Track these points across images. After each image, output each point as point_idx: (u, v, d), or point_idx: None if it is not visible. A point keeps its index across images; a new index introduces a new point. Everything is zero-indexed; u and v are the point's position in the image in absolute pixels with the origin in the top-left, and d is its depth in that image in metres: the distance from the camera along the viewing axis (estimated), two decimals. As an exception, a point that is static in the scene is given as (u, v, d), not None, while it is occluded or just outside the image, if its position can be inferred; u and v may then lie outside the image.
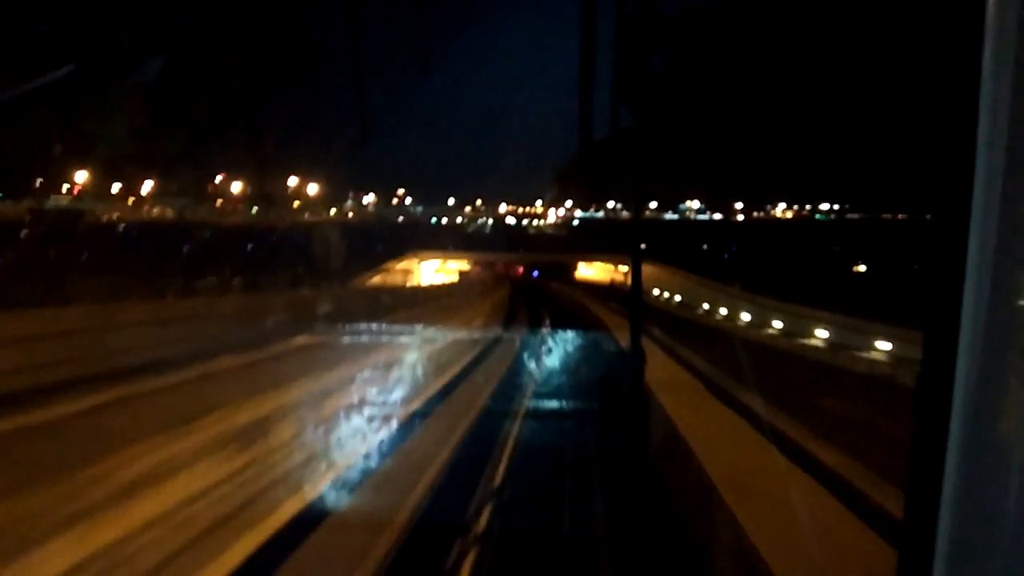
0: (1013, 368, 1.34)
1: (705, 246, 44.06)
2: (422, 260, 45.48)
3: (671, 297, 35.07)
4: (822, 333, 20.69)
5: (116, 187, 51.36)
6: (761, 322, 24.46)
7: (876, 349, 17.55)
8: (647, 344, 11.83)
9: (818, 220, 49.82)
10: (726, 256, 41.23)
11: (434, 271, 46.88)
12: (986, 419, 1.33)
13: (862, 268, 36.06)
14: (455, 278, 46.35)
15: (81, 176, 44.71)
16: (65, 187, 46.58)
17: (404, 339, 14.70)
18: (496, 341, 19.97)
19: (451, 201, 55.19)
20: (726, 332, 23.59)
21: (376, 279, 28.14)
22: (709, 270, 32.96)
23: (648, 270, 40.99)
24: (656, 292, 35.71)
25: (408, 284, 28.89)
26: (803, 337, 21.11)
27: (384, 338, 14.69)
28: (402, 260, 41.62)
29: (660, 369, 10.62)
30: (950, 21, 1.40)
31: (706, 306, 30.54)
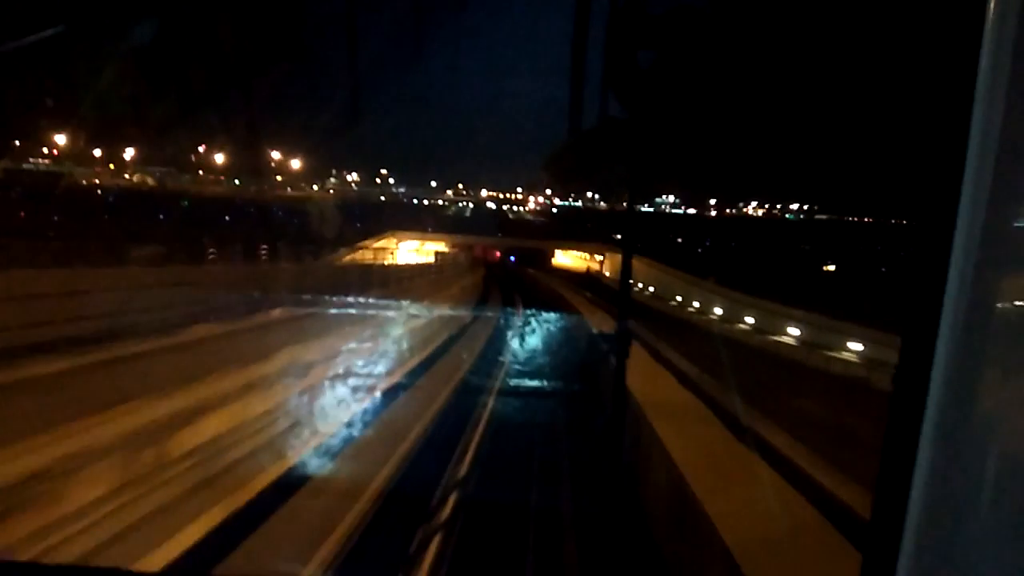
0: (988, 373, 1.32)
1: (679, 239, 44.81)
2: (400, 240, 45.64)
3: (645, 288, 34.88)
4: (794, 331, 21.05)
5: (98, 152, 50.72)
6: (734, 317, 24.64)
7: (848, 350, 17.94)
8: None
9: (788, 220, 51.02)
10: (700, 250, 41.90)
11: (411, 251, 47.09)
12: (959, 423, 1.31)
13: (831, 268, 37.03)
14: (431, 259, 46.52)
15: (61, 139, 44.06)
16: (44, 150, 45.91)
17: (366, 321, 13.90)
18: (467, 325, 19.93)
19: (433, 183, 55.54)
20: (699, 326, 23.76)
21: (351, 256, 28.14)
22: (684, 263, 33.29)
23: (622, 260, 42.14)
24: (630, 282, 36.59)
25: (384, 263, 28.86)
26: (775, 334, 21.41)
27: (345, 320, 13.52)
28: (380, 239, 41.46)
29: (650, 381, 9.00)
30: (942, 24, 1.37)
31: (679, 298, 30.61)
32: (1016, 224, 1.29)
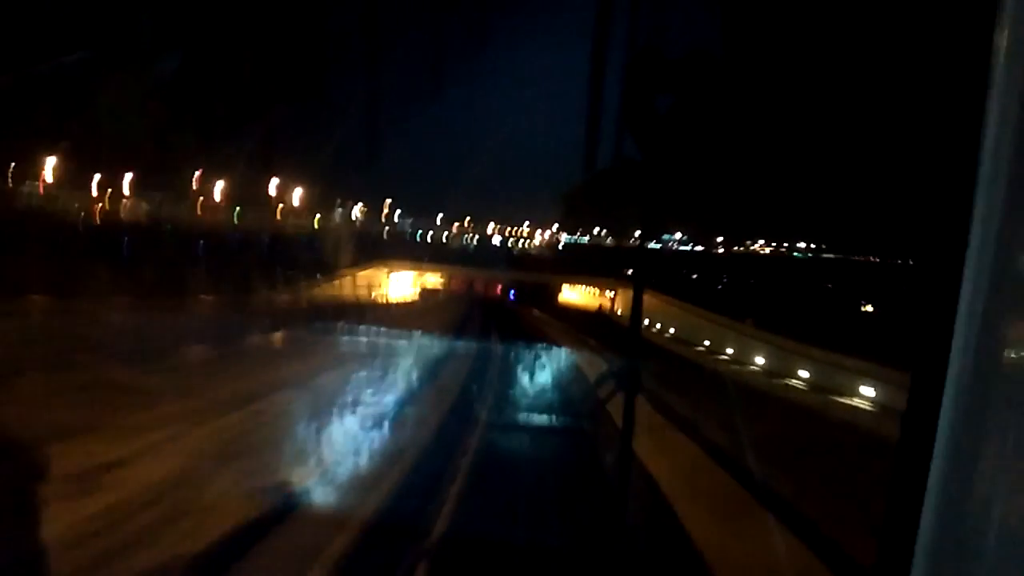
0: (996, 414, 1.27)
1: (694, 276, 41.70)
2: (392, 270, 42.38)
3: (664, 329, 30.72)
4: (868, 391, 16.42)
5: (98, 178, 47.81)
6: (783, 370, 19.88)
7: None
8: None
9: (796, 258, 48.67)
10: (719, 287, 38.55)
11: (406, 284, 43.86)
12: (968, 462, 1.27)
13: (869, 308, 33.93)
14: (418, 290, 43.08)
15: (56, 162, 41.36)
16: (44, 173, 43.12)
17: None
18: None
19: (440, 217, 52.77)
20: (747, 384, 18.71)
21: (325, 287, 24.58)
22: (704, 301, 29.49)
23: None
24: (646, 322, 33.07)
25: (358, 297, 25.12)
26: (845, 395, 16.88)
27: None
28: (367, 267, 37.59)
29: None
30: (948, 70, 1.34)
31: (707, 343, 26.13)
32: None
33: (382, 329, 19.24)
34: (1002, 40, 1.22)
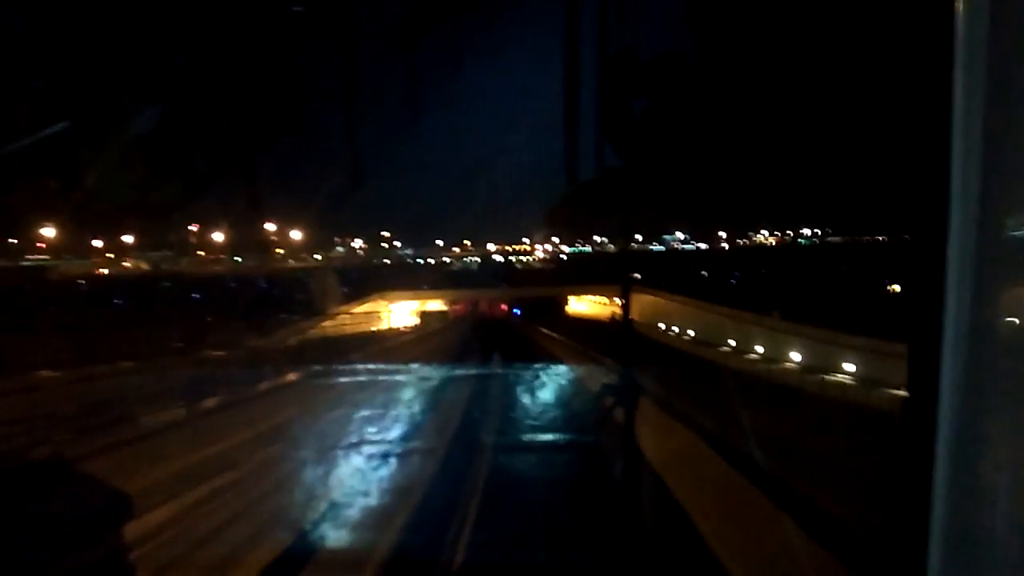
0: (998, 384, 1.29)
1: (704, 273, 40.26)
2: (391, 301, 41.13)
3: (681, 331, 28.10)
4: None
5: (98, 243, 47.18)
6: (828, 365, 17.32)
7: None
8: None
9: (801, 244, 47.48)
10: (733, 282, 36.90)
11: (407, 313, 42.57)
12: (970, 437, 1.29)
13: (897, 288, 31.89)
14: (417, 320, 41.53)
15: (47, 233, 40.81)
16: (41, 245, 42.50)
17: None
18: None
19: (439, 242, 51.87)
20: (790, 386, 16.67)
21: (321, 327, 23.06)
22: (720, 298, 26.92)
23: (650, 300, 36.92)
24: (662, 326, 31.54)
25: (350, 331, 23.51)
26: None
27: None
28: (365, 303, 35.52)
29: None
30: (921, 50, 1.40)
31: (732, 342, 23.32)
32: (1009, 233, 1.31)
33: (365, 370, 17.62)
34: (959, 25, 1.27)
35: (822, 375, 17.23)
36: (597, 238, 47.07)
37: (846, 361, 16.95)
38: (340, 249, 53.69)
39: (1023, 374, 1.26)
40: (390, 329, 31.68)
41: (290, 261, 47.23)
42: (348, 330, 21.70)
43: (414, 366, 18.48)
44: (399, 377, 16.02)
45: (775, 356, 20.36)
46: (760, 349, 21.61)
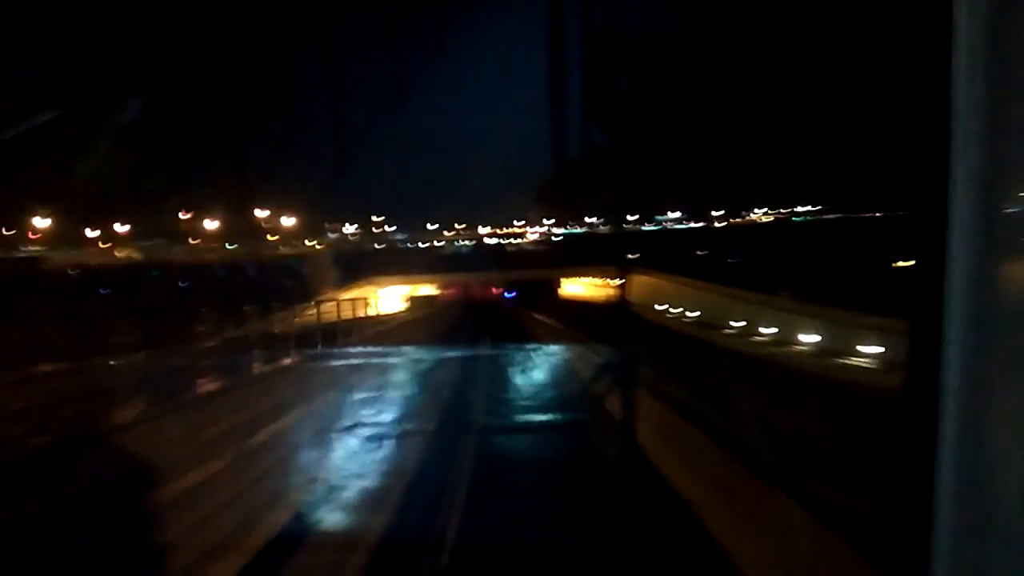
0: (999, 367, 1.25)
1: (700, 253, 39.24)
2: (381, 286, 40.25)
3: (682, 312, 26.92)
4: None
5: (92, 232, 46.36)
6: (846, 347, 15.93)
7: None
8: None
9: (796, 222, 46.55)
10: (731, 260, 35.83)
11: (397, 298, 41.70)
12: (970, 422, 1.25)
13: (903, 264, 30.76)
14: (407, 304, 40.70)
15: (41, 223, 40.14)
16: (31, 235, 41.74)
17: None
18: None
19: (430, 227, 50.94)
20: (808, 371, 15.08)
21: (303, 315, 22.34)
22: (721, 278, 26.50)
23: (647, 281, 35.98)
24: (660, 307, 30.67)
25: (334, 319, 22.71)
26: None
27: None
28: (352, 288, 35.17)
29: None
30: (919, 29, 1.36)
31: (740, 323, 21.88)
32: (1007, 209, 1.28)
33: (350, 357, 17.17)
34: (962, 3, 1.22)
35: (845, 358, 15.97)
36: (589, 219, 46.11)
37: (869, 343, 15.47)
38: (331, 235, 52.63)
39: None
40: (375, 316, 30.86)
41: (281, 248, 46.38)
42: (328, 318, 20.92)
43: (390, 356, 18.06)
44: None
45: (788, 338, 19.07)
46: (771, 330, 20.20)
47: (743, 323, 22.13)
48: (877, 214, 42.33)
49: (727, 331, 22.91)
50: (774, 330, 19.96)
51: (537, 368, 16.71)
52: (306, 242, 48.21)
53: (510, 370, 16.11)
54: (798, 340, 18.64)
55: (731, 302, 23.83)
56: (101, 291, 30.54)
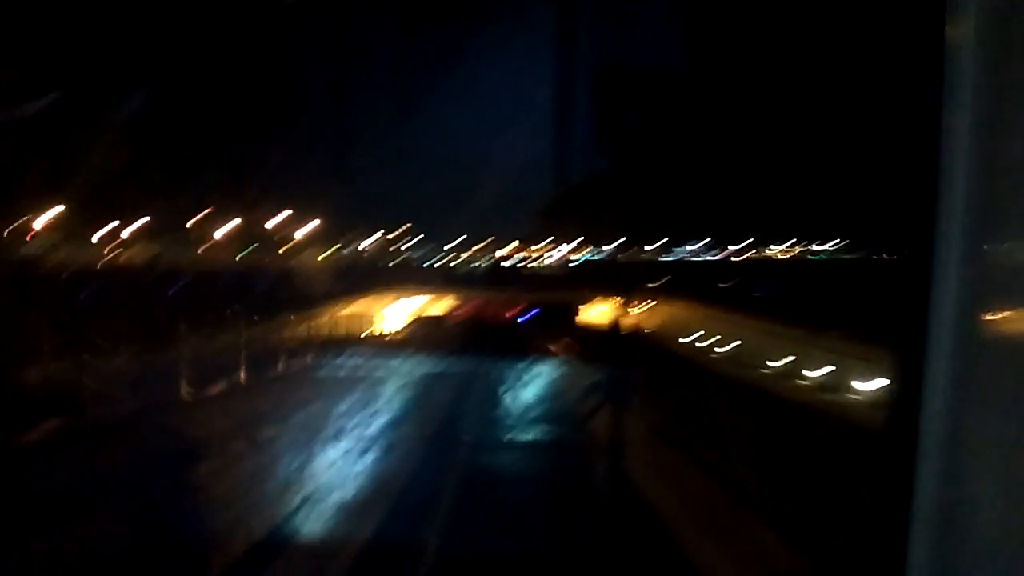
0: (984, 388, 1.23)
1: (722, 285, 37.94)
2: (388, 303, 38.78)
3: (712, 346, 24.92)
4: None
5: (106, 228, 45.11)
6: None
7: None
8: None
9: (812, 260, 45.36)
10: (757, 294, 34.31)
11: (403, 314, 40.16)
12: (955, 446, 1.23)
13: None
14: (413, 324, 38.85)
15: (50, 223, 38.86)
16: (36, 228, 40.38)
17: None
18: None
19: (447, 247, 50.10)
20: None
21: (295, 329, 21.15)
22: (754, 311, 24.95)
23: (670, 311, 34.78)
24: (686, 339, 29.08)
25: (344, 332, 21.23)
26: None
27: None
28: (354, 302, 33.99)
29: None
30: (910, 60, 1.35)
31: (785, 359, 19.23)
32: (992, 244, 1.26)
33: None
34: (955, 32, 1.22)
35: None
36: (607, 247, 44.99)
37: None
38: (345, 250, 51.86)
39: (1010, 377, 1.19)
40: (364, 337, 29.54)
41: (293, 258, 45.10)
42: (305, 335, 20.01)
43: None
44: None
45: (841, 384, 16.60)
46: (825, 370, 17.53)
47: (793, 357, 20.06)
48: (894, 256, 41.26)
49: (765, 371, 21.09)
50: (830, 367, 17.95)
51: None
52: (319, 256, 46.95)
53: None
54: (859, 389, 16.61)
55: (767, 337, 22.10)
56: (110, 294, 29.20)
